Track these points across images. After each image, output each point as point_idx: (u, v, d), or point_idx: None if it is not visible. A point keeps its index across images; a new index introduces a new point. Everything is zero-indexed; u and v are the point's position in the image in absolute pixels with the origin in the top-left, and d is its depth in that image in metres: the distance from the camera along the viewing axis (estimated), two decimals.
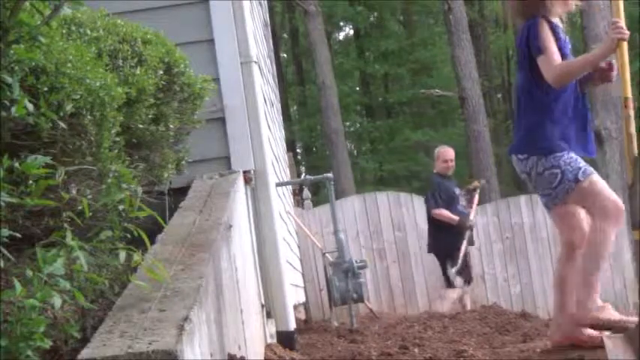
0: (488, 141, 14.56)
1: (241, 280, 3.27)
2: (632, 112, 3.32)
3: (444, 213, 7.74)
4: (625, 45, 3.43)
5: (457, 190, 7.97)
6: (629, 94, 3.36)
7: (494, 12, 26.62)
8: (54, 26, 2.36)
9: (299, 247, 8.61)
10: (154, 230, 2.73)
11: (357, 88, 26.67)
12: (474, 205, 8.00)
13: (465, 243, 7.65)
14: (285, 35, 27.39)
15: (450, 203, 7.80)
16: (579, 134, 3.54)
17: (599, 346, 3.25)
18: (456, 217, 7.69)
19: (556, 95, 3.47)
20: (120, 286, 2.38)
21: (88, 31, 2.99)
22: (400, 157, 22.41)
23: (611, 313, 3.39)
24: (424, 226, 9.58)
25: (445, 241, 7.76)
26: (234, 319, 2.83)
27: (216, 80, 4.16)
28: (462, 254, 7.63)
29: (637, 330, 3.14)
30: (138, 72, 3.05)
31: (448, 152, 8.19)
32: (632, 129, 3.31)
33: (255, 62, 4.43)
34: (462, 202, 8.00)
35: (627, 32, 3.41)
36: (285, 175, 7.65)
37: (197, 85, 3.66)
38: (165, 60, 3.35)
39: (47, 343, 1.77)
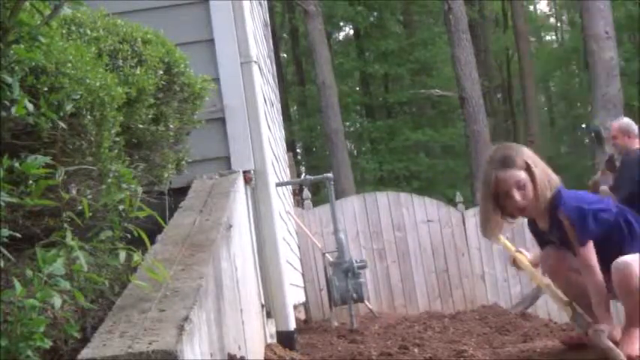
0: (488, 141, 14.56)
1: (241, 280, 3.27)
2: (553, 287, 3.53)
3: None
4: (519, 258, 3.68)
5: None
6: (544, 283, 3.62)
7: (494, 12, 26.67)
8: (54, 26, 2.36)
9: (299, 247, 8.61)
10: (154, 230, 2.73)
11: (357, 88, 26.68)
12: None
13: None
14: (285, 35, 27.40)
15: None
16: None
17: None
18: None
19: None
20: (120, 286, 2.38)
21: (88, 31, 2.99)
22: (400, 157, 22.40)
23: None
24: (424, 225, 9.62)
25: None
26: (234, 319, 2.83)
27: (216, 80, 4.16)
28: None
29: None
30: (138, 72, 3.05)
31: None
32: (552, 287, 3.53)
33: (255, 62, 4.43)
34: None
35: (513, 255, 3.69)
36: (285, 175, 7.65)
37: (197, 85, 3.65)
38: (165, 60, 3.35)
39: (47, 343, 1.77)
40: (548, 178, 3.30)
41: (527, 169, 3.24)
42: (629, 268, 3.17)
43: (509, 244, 3.82)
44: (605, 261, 3.32)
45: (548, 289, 3.57)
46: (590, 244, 3.28)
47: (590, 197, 3.46)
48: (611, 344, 3.18)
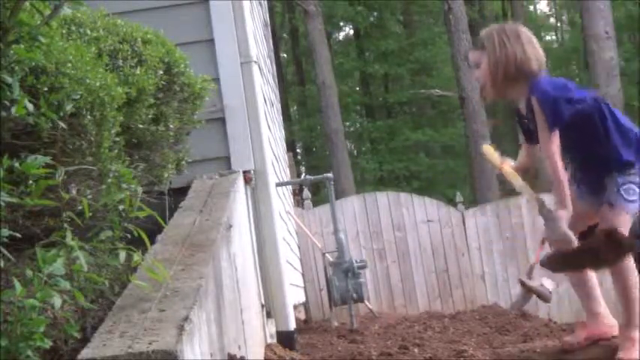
0: (488, 141, 14.56)
1: (241, 280, 3.27)
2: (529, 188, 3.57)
3: None
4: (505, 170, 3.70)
5: None
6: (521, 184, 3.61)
7: (494, 12, 26.67)
8: (54, 26, 2.36)
9: (299, 247, 8.60)
10: (154, 230, 2.73)
11: (357, 88, 26.67)
12: None
13: None
14: (285, 35, 27.39)
15: None
16: None
17: None
18: None
19: None
20: (120, 286, 2.38)
21: (88, 31, 2.99)
22: (400, 157, 22.40)
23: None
24: (424, 225, 9.61)
25: None
26: (234, 319, 2.83)
27: (216, 80, 4.16)
28: None
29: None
30: (138, 72, 3.05)
31: None
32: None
33: (255, 62, 4.43)
34: None
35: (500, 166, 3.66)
36: (285, 175, 7.65)
37: (197, 85, 3.65)
38: (165, 60, 3.35)
39: (47, 343, 1.77)
40: (514, 60, 3.32)
41: (483, 48, 3.39)
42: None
43: (494, 154, 3.86)
44: (574, 153, 3.34)
45: (526, 189, 3.62)
46: (555, 134, 3.27)
47: (569, 85, 3.40)
48: (568, 232, 3.18)
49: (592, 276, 3.43)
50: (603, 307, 3.41)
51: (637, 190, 3.24)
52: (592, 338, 3.38)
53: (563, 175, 3.29)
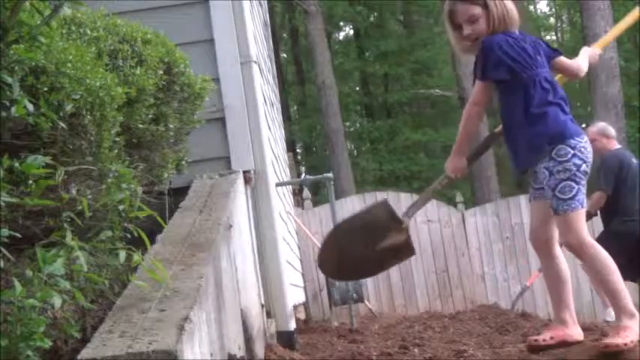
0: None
1: (241, 280, 3.27)
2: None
3: None
4: None
5: None
6: None
7: None
8: (54, 26, 2.36)
9: (299, 247, 8.61)
10: (153, 230, 2.73)
11: (357, 88, 26.67)
12: None
13: None
14: (285, 35, 27.39)
15: None
16: None
17: None
18: None
19: None
20: (120, 286, 2.38)
21: (88, 31, 2.99)
22: (400, 157, 22.40)
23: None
24: (424, 225, 9.61)
25: None
26: (234, 319, 2.83)
27: (216, 80, 4.16)
28: None
29: None
30: (138, 72, 3.05)
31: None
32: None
33: (255, 62, 4.43)
34: None
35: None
36: (285, 175, 7.65)
37: (197, 85, 3.66)
38: (165, 60, 3.35)
39: (47, 343, 1.77)
40: (509, 16, 3.33)
41: (484, 5, 3.33)
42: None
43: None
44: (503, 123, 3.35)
45: None
46: (485, 85, 3.27)
47: (519, 46, 3.33)
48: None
49: (568, 283, 3.40)
50: (571, 315, 3.39)
51: (573, 184, 3.13)
52: (556, 339, 3.36)
53: (473, 128, 3.33)
